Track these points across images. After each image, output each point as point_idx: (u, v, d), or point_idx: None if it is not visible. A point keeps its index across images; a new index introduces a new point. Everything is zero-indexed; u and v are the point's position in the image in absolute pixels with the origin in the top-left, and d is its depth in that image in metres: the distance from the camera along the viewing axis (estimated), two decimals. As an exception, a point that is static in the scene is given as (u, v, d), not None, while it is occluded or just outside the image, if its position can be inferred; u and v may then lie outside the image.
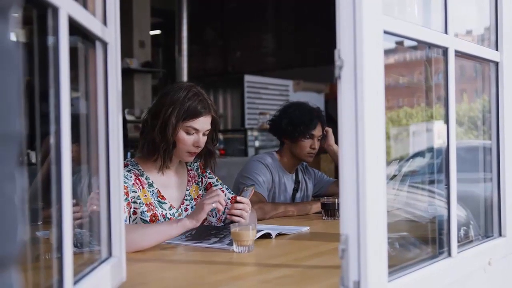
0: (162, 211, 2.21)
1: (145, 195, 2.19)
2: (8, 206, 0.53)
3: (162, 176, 2.28)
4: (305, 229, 2.35)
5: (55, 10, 0.99)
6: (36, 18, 1.03)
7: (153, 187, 2.23)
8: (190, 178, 2.38)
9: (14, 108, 0.54)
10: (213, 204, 1.98)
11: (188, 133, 2.20)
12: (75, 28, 1.10)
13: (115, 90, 1.36)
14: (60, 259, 0.99)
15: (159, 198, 2.23)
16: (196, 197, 2.37)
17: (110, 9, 1.36)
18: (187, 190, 2.35)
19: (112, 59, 1.36)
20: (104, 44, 1.33)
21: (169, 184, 2.30)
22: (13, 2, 0.58)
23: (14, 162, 0.55)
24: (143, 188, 2.19)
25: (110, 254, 1.35)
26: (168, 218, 2.22)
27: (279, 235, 2.18)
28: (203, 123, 2.22)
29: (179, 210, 2.28)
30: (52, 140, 1.00)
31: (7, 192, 0.52)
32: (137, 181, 2.18)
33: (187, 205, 2.32)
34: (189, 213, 2.26)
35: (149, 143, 2.21)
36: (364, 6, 1.15)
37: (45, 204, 1.16)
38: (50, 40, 1.00)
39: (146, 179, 2.23)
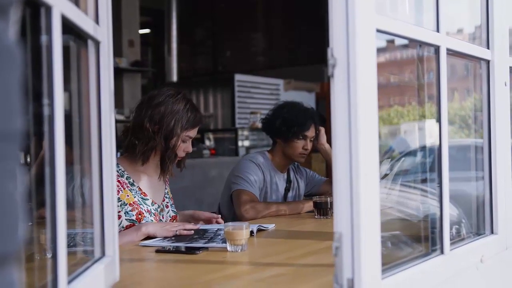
0: (147, 207, 2.27)
1: (127, 195, 2.23)
2: (10, 203, 0.53)
3: (144, 176, 2.34)
4: (271, 226, 2.37)
5: (48, 9, 0.98)
6: (28, 16, 1.02)
7: (135, 185, 2.28)
8: (166, 179, 2.47)
9: (16, 106, 0.55)
10: (177, 232, 2.12)
11: (184, 141, 2.29)
12: (67, 27, 1.09)
13: (108, 90, 1.36)
14: (54, 259, 0.98)
15: (141, 195, 2.29)
16: (171, 197, 2.48)
17: (102, 7, 1.35)
18: (166, 188, 2.45)
19: (105, 58, 1.35)
20: (97, 43, 1.33)
21: (150, 183, 2.36)
22: (14, 1, 0.57)
23: (15, 159, 0.55)
24: (124, 188, 2.22)
25: (103, 253, 1.34)
26: (153, 213, 2.29)
27: (259, 231, 2.23)
28: (196, 131, 2.35)
29: (161, 206, 2.37)
30: (45, 140, 0.99)
31: (9, 189, 0.53)
32: (117, 182, 2.20)
33: (167, 202, 2.43)
34: (170, 209, 2.41)
35: (150, 150, 2.26)
36: (357, 5, 1.15)
37: (36, 205, 1.15)
38: (43, 38, 1.00)
39: (126, 179, 2.27)
